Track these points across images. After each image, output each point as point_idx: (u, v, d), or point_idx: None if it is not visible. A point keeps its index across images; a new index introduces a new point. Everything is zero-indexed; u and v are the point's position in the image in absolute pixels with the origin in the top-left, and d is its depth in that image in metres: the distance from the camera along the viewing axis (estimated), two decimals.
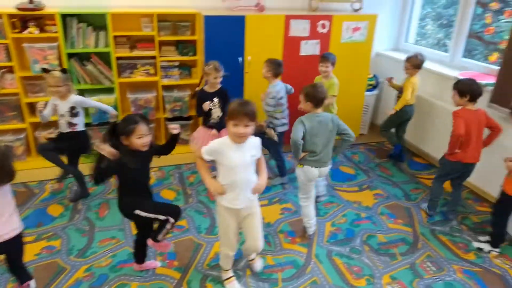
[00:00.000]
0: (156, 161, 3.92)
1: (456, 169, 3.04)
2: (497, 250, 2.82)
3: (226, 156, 2.13)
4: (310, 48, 3.92)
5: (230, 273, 2.49)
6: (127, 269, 2.60)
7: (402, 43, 4.76)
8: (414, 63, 3.70)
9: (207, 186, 2.24)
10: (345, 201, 3.43)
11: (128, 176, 2.23)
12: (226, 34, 3.65)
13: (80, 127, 3.13)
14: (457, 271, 2.66)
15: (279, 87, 3.33)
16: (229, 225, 2.30)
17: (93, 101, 3.20)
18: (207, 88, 3.37)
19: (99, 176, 2.16)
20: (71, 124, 3.08)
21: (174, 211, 2.32)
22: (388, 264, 2.71)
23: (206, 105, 3.30)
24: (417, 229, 3.09)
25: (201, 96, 3.35)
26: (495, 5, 3.63)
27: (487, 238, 2.91)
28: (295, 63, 3.93)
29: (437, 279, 2.58)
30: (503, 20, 3.58)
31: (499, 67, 3.17)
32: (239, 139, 2.10)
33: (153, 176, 3.72)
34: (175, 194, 3.45)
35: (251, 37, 3.73)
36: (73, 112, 3.05)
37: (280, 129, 3.45)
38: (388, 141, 4.26)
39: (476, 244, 2.89)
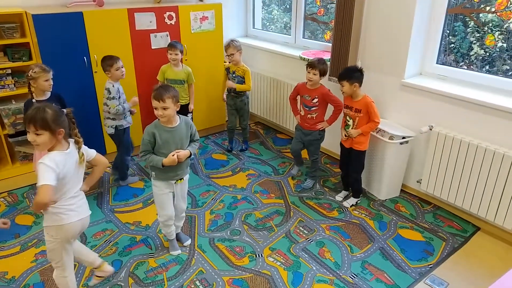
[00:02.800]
0: (3, 185, 3.46)
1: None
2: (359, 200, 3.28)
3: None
4: (161, 41, 3.82)
5: None
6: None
7: (251, 29, 4.99)
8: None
9: None
10: (221, 187, 3.50)
11: None
12: (63, 34, 3.30)
13: None
14: (325, 229, 2.96)
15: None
16: None
17: None
18: (38, 96, 2.90)
19: None
20: None
21: None
22: (267, 237, 2.86)
23: None
24: (288, 199, 3.33)
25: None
26: None
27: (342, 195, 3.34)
28: (147, 57, 3.80)
29: (310, 241, 2.83)
30: (333, 2, 4.01)
31: (331, 44, 3.56)
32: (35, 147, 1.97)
33: (3, 203, 3.23)
34: (34, 218, 3.06)
35: (94, 34, 3.45)
36: None
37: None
38: (246, 137, 4.24)
39: (345, 204, 3.25)
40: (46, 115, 1.87)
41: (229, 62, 3.89)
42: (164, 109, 2.31)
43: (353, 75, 2.92)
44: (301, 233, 2.91)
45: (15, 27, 3.37)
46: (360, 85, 2.95)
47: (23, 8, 3.37)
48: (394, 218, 3.08)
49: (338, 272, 2.55)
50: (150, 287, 2.42)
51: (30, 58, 3.47)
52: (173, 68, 3.63)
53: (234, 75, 3.87)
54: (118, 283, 2.45)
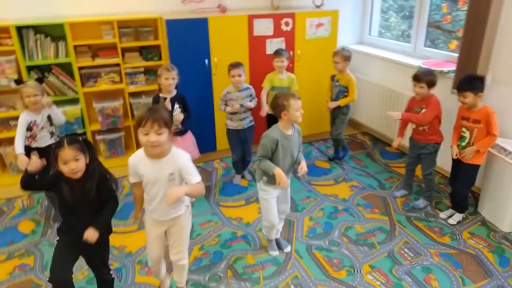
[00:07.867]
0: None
1: None
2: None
3: (141, 172, 2.00)
4: (275, 46, 3.91)
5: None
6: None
7: (366, 36, 4.84)
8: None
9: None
10: (321, 195, 3.44)
11: (62, 201, 1.99)
12: (189, 37, 3.60)
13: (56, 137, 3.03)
14: (433, 254, 2.70)
15: None
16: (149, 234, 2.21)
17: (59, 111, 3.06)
18: (164, 94, 3.16)
19: (27, 182, 1.98)
20: (52, 134, 2.99)
21: None
22: (367, 254, 2.73)
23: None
24: (393, 217, 3.13)
25: (158, 102, 3.12)
26: None
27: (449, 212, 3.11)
28: (262, 62, 3.92)
29: (415, 264, 2.62)
30: (460, 9, 3.69)
31: (458, 54, 3.26)
32: (151, 148, 1.90)
33: (19, 205, 3.39)
34: (34, 226, 3.10)
35: (216, 39, 3.70)
36: (50, 121, 2.96)
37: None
38: (341, 144, 4.04)
39: (450, 221, 3.02)
40: (164, 113, 1.93)
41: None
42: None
43: (477, 84, 2.69)
44: (406, 255, 2.71)
45: (150, 31, 3.79)
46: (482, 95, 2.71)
47: (158, 13, 3.77)
48: None
49: None
50: (246, 282, 2.49)
51: (160, 59, 3.86)
52: (279, 76, 3.63)
53: (337, 83, 3.79)
54: (218, 273, 2.57)
